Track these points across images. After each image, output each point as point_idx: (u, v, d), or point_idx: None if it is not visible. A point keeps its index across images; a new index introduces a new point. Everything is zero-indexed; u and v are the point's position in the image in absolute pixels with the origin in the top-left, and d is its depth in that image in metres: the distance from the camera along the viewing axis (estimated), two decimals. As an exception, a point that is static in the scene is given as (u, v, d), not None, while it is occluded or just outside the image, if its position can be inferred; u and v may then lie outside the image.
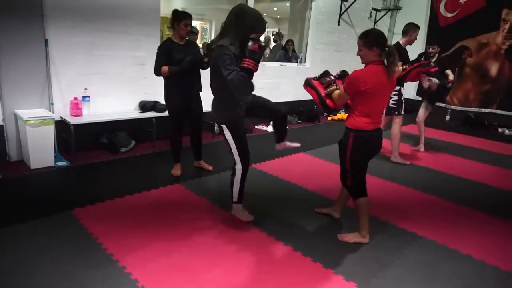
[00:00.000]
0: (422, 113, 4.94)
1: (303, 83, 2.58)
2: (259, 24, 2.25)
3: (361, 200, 2.48)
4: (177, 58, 3.13)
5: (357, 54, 2.38)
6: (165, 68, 3.13)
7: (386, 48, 2.29)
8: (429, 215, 3.09)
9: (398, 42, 4.25)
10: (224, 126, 2.47)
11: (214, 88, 2.46)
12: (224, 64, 2.21)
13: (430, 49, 4.83)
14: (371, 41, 2.30)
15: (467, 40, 6.92)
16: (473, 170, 4.41)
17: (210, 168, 3.69)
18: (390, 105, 4.29)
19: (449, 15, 7.14)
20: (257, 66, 2.22)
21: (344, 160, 2.47)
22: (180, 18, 3.14)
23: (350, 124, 2.41)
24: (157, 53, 3.19)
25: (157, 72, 3.19)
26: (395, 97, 4.27)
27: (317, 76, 2.55)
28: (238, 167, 2.58)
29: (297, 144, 2.91)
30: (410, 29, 4.20)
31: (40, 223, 2.50)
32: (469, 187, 3.84)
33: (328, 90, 2.44)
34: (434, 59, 4.67)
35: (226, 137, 2.50)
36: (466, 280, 2.24)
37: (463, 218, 3.10)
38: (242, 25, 2.23)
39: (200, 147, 3.66)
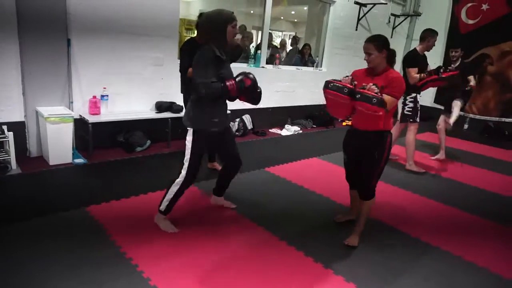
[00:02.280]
0: (442, 121, 4.86)
1: (323, 87, 2.33)
2: (227, 14, 2.29)
3: (374, 199, 2.52)
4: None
5: (368, 59, 2.37)
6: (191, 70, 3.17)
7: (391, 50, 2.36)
8: (444, 225, 3.04)
9: (415, 49, 4.20)
10: (190, 130, 2.42)
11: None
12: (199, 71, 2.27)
13: (453, 52, 4.70)
14: (382, 43, 2.33)
15: (488, 47, 6.78)
16: (490, 180, 4.31)
17: None
18: (406, 112, 4.23)
19: (471, 22, 7.01)
20: (238, 92, 2.31)
21: (379, 161, 2.44)
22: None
23: (384, 126, 2.39)
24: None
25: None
26: (411, 104, 4.21)
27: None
28: (180, 179, 2.45)
29: (233, 205, 2.93)
30: (428, 35, 4.15)
31: (57, 218, 2.56)
32: (486, 198, 3.76)
33: (368, 86, 2.23)
34: (457, 64, 4.57)
35: (186, 141, 2.43)
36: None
37: (479, 229, 3.03)
38: (217, 24, 2.27)
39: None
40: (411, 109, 4.23)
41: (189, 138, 2.42)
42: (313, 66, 6.90)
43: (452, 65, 4.51)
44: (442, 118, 4.87)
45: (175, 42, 4.54)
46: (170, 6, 4.35)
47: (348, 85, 2.17)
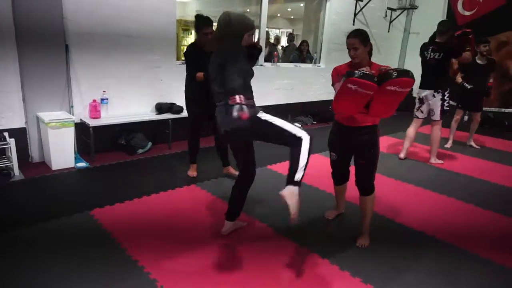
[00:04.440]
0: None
1: (345, 76, 2.11)
2: (248, 24, 2.22)
3: (374, 193, 2.52)
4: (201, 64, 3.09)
5: (354, 54, 2.32)
6: (199, 74, 3.10)
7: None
8: (448, 218, 3.04)
9: (441, 42, 4.15)
10: (260, 113, 2.15)
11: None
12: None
13: (481, 47, 4.87)
14: (366, 37, 2.32)
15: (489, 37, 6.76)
16: (492, 171, 4.31)
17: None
18: (445, 108, 4.27)
19: (467, 13, 7.00)
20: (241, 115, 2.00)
21: (374, 154, 2.45)
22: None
23: (374, 121, 2.40)
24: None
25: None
26: (448, 100, 4.27)
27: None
28: (306, 138, 2.09)
29: (244, 223, 2.66)
30: (450, 28, 4.19)
31: (61, 222, 2.57)
32: (489, 189, 3.76)
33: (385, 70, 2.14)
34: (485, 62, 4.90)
35: (268, 120, 2.13)
36: (487, 286, 2.20)
37: (481, 220, 3.04)
38: (236, 30, 2.21)
39: (226, 152, 3.57)
40: (448, 104, 4.28)
41: (266, 116, 2.14)
42: (311, 63, 6.90)
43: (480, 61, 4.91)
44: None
45: (173, 43, 4.54)
46: (166, 7, 4.35)
47: (374, 73, 2.10)
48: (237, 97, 1.94)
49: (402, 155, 4.64)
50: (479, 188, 3.77)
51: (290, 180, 2.05)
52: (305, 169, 2.08)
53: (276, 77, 5.96)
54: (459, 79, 5.03)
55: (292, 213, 1.97)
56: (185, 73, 3.33)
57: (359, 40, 2.29)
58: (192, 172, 3.57)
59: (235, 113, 1.90)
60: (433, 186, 3.67)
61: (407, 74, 2.10)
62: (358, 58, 2.33)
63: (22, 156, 3.50)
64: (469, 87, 4.94)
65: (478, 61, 4.95)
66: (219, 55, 2.17)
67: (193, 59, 3.19)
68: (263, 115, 2.14)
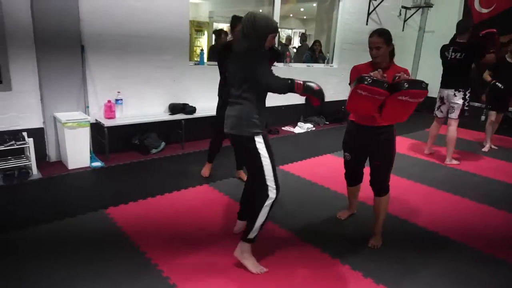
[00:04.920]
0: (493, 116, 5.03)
1: (355, 82, 2.07)
2: (272, 25, 2.24)
3: (389, 193, 2.49)
4: None
5: (376, 53, 2.27)
6: None
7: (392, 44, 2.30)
8: (461, 218, 2.99)
9: (463, 42, 4.09)
10: (258, 137, 2.11)
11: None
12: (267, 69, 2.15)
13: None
14: (389, 37, 2.28)
15: (503, 37, 6.61)
16: (508, 172, 4.21)
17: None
18: (465, 108, 4.22)
19: (484, 11, 6.85)
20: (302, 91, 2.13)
21: (391, 155, 2.43)
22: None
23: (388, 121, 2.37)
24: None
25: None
26: (469, 100, 4.22)
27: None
28: (271, 196, 2.10)
29: None
30: (470, 25, 4.16)
31: (76, 220, 2.63)
32: (503, 189, 3.69)
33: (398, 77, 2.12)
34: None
35: (258, 149, 2.10)
36: (500, 286, 2.16)
37: (495, 221, 2.98)
38: (260, 30, 2.21)
39: None
40: (468, 104, 4.23)
41: (260, 146, 2.10)
42: (324, 63, 6.87)
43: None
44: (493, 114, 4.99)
45: (186, 44, 4.59)
46: (180, 8, 4.39)
47: (386, 80, 2.08)
48: (298, 82, 2.09)
49: (426, 151, 4.75)
50: (494, 188, 3.70)
51: (244, 237, 2.18)
52: (260, 229, 2.15)
53: (289, 77, 5.94)
54: (488, 77, 4.87)
55: (253, 271, 2.14)
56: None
57: (383, 39, 2.25)
58: (206, 171, 3.58)
59: (314, 85, 2.07)
60: (447, 187, 3.61)
61: (420, 85, 2.02)
62: (380, 58, 2.29)
63: (39, 156, 3.59)
64: (502, 87, 4.72)
65: (508, 59, 4.78)
66: (244, 55, 2.13)
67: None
68: (261, 145, 2.11)
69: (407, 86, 2.00)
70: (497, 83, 4.76)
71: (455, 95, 4.17)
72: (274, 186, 2.12)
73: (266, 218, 2.13)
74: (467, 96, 4.16)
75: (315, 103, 2.17)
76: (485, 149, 5.08)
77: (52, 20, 3.48)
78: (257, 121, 2.12)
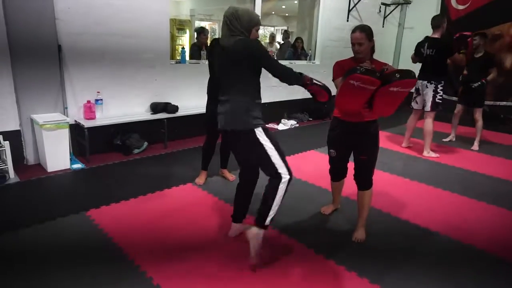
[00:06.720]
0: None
1: (347, 73, 2.07)
2: (255, 18, 2.23)
3: (372, 187, 2.53)
4: None
5: (358, 49, 2.29)
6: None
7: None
8: (443, 210, 3.06)
9: (435, 38, 4.23)
10: (258, 129, 2.14)
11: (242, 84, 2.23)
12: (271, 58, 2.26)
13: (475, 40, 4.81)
14: (371, 33, 2.31)
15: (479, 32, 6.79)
16: (487, 164, 4.33)
17: (232, 178, 3.47)
18: (437, 101, 4.32)
19: (461, 7, 7.01)
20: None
21: (376, 149, 2.47)
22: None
23: (373, 115, 2.39)
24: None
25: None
26: (441, 93, 4.31)
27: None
28: (284, 179, 2.09)
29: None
30: (443, 21, 4.25)
31: (57, 224, 2.56)
32: (482, 181, 3.79)
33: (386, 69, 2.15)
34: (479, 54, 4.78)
35: (262, 142, 2.11)
36: (482, 276, 2.22)
37: (476, 213, 3.05)
38: (243, 24, 2.19)
39: (229, 154, 3.42)
40: (441, 97, 4.32)
41: (262, 138, 2.13)
42: (306, 60, 6.90)
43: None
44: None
45: (167, 43, 4.53)
46: (159, 6, 4.33)
47: (376, 69, 2.11)
48: (307, 76, 2.18)
49: (404, 144, 4.85)
50: (474, 180, 3.79)
51: (259, 223, 2.10)
52: (275, 212, 2.11)
53: (270, 74, 5.94)
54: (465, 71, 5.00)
55: (252, 253, 2.08)
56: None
57: (365, 35, 2.28)
58: (200, 180, 3.39)
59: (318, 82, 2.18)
60: (429, 180, 3.69)
61: (410, 74, 2.08)
62: (362, 53, 2.31)
63: (17, 159, 3.48)
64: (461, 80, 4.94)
65: (475, 55, 4.85)
66: (233, 49, 2.11)
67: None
68: (262, 137, 2.13)
69: (398, 76, 2.04)
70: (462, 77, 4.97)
71: (427, 86, 4.33)
72: (287, 172, 2.10)
73: (282, 198, 2.10)
74: (438, 89, 4.28)
75: (323, 98, 2.26)
76: (446, 139, 5.30)
77: (26, 20, 3.37)
78: (255, 113, 2.13)
